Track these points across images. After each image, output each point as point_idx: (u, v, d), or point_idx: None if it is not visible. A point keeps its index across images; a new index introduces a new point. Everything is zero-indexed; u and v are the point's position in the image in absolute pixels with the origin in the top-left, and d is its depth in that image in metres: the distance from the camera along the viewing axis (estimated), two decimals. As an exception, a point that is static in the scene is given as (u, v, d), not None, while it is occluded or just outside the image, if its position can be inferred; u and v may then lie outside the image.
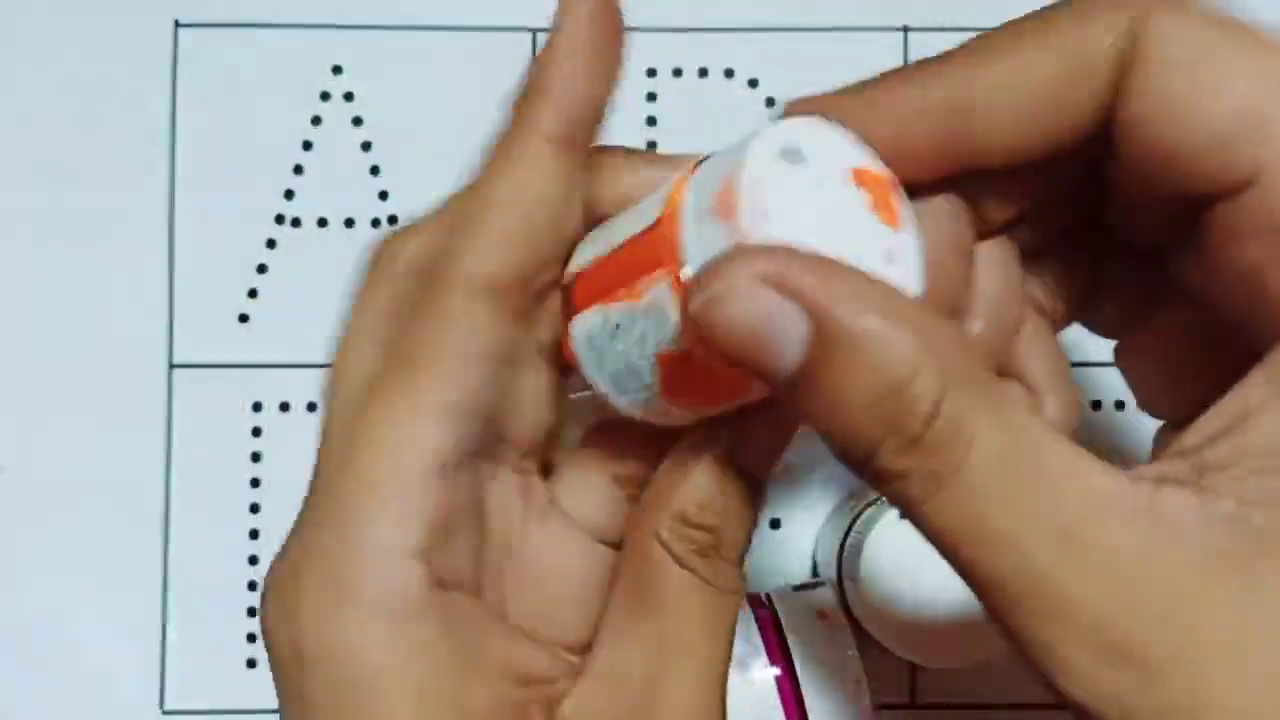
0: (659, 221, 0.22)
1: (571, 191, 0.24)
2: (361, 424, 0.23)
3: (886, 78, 0.24)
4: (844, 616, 0.38)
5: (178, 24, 0.44)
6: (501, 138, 0.25)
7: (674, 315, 0.22)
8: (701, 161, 0.23)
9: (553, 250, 0.24)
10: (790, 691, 0.37)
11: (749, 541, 0.25)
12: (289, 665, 0.23)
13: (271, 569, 0.24)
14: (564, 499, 0.27)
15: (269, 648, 0.23)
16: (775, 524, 0.44)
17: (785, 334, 0.19)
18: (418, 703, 0.22)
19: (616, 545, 0.26)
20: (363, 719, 0.22)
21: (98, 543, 0.43)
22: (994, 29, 0.23)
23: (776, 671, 0.37)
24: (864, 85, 0.24)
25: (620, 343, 0.23)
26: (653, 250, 0.22)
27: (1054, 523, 0.19)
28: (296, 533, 0.24)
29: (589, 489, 0.27)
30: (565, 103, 0.24)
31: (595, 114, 0.24)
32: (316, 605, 0.23)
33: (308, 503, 0.24)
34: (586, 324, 0.24)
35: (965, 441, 0.19)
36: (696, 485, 0.24)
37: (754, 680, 0.37)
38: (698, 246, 0.21)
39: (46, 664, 0.42)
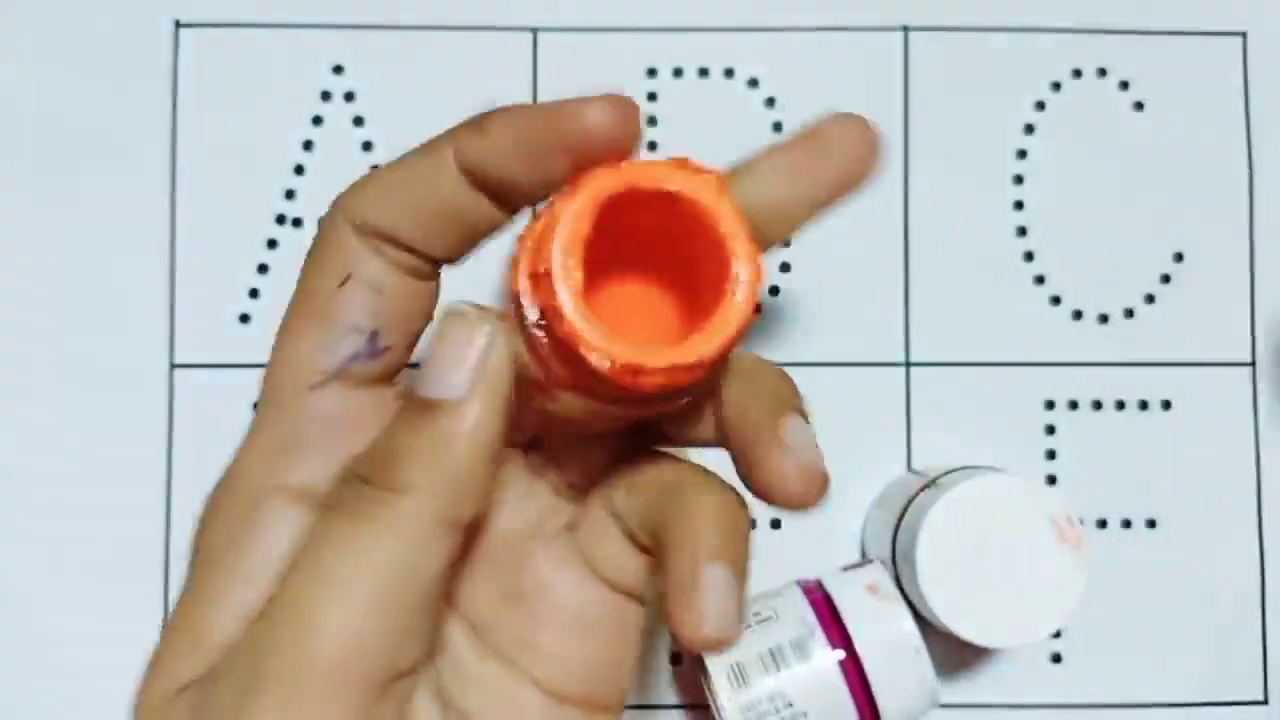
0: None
1: None
2: None
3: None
4: (896, 588, 0.38)
5: (178, 24, 0.44)
6: None
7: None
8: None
9: None
10: (854, 671, 0.37)
11: (430, 472, 0.23)
12: None
13: None
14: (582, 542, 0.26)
15: None
16: (776, 524, 0.44)
17: None
18: None
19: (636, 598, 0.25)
20: None
21: (98, 543, 0.43)
22: None
23: (839, 654, 0.37)
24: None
25: None
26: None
27: None
28: None
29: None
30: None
31: None
32: None
33: None
34: None
35: None
36: None
37: (816, 664, 0.37)
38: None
39: (47, 663, 0.42)
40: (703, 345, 0.22)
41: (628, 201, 0.23)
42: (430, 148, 0.24)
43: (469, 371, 0.22)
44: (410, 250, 0.24)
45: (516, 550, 0.25)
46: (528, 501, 0.26)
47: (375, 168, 0.34)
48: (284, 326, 0.25)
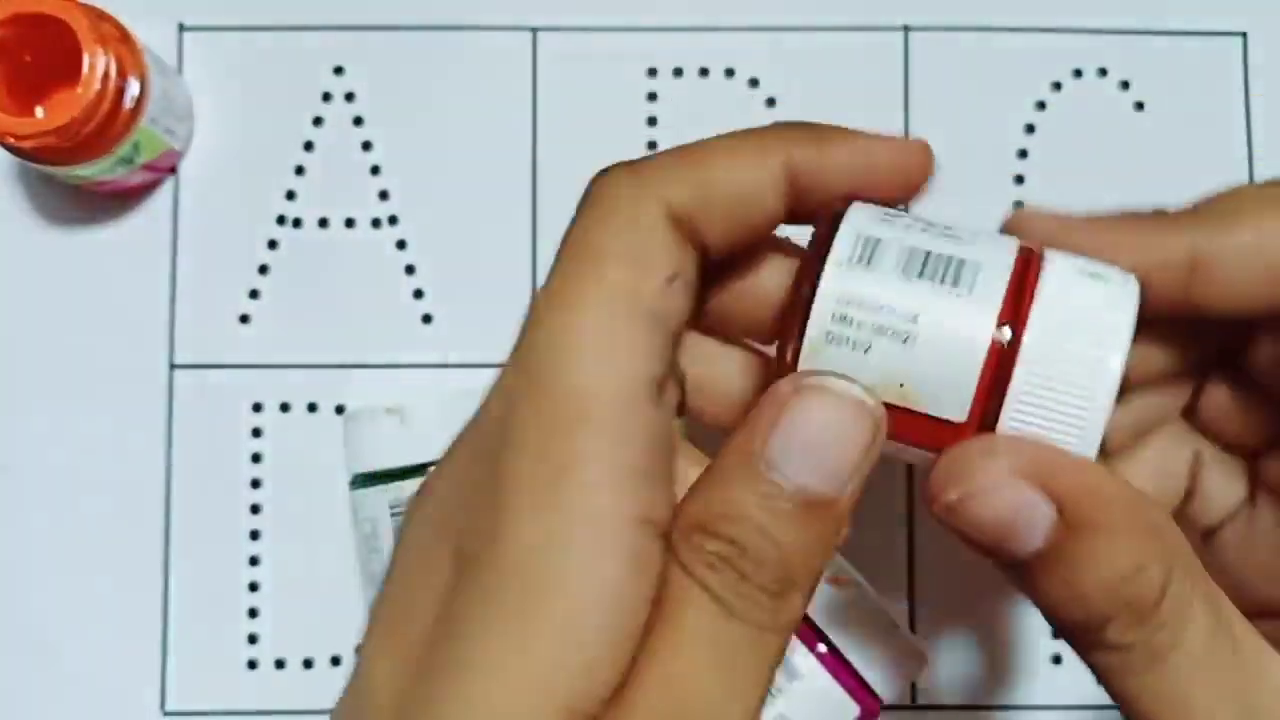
0: (964, 431, 0.22)
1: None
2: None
3: (1127, 220, 0.25)
4: (851, 567, 0.38)
5: (182, 27, 0.44)
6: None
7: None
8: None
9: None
10: (844, 671, 0.37)
11: (812, 573, 0.21)
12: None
13: None
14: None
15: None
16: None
17: (1032, 525, 0.21)
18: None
19: None
20: None
21: (98, 543, 0.43)
22: (1233, 192, 0.26)
23: (825, 661, 0.37)
24: (1102, 220, 0.25)
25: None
26: (944, 439, 0.22)
27: (1245, 704, 0.21)
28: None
29: None
30: None
31: None
32: None
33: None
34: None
35: (1184, 622, 0.21)
36: (720, 495, 0.21)
37: (806, 677, 0.37)
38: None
39: (46, 664, 0.42)
40: (55, 118, 0.37)
41: (35, 26, 0.37)
42: (757, 146, 0.22)
43: (859, 471, 0.21)
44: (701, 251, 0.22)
45: None
46: None
47: (653, 146, 0.42)
48: (580, 300, 0.21)
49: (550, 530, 0.20)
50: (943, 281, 0.22)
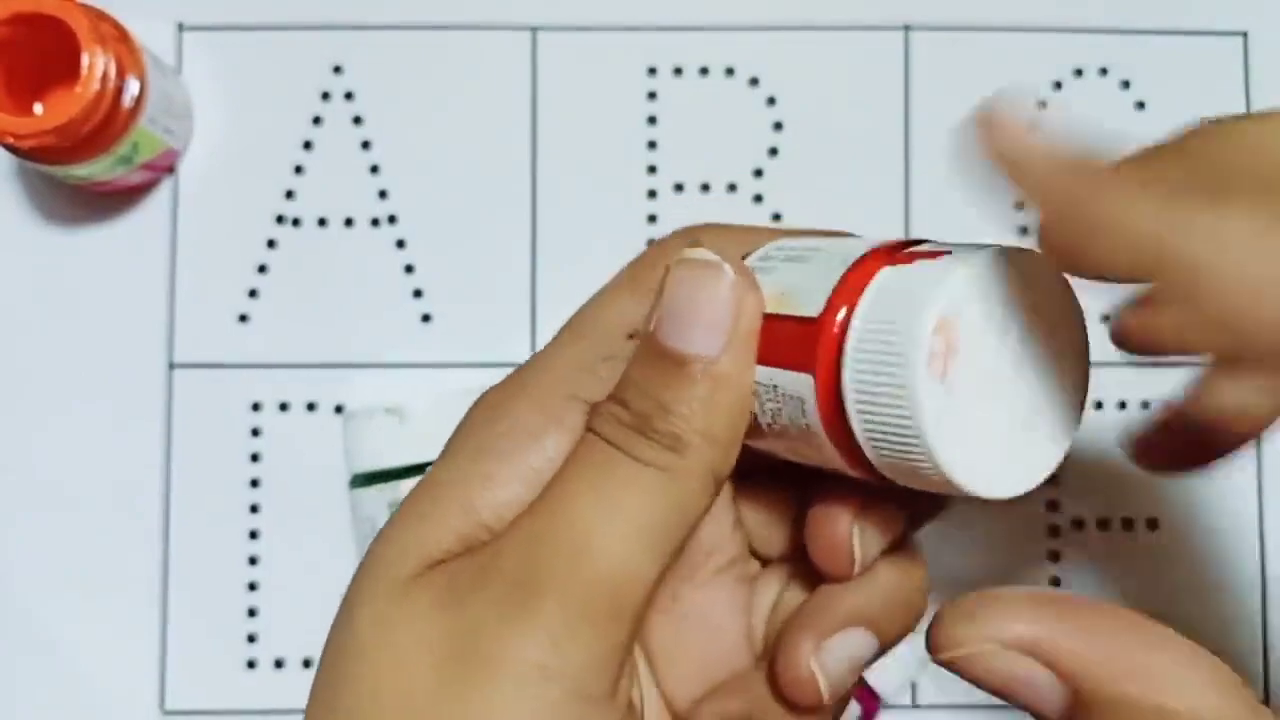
0: (819, 326, 0.23)
1: None
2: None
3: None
4: None
5: (181, 27, 0.44)
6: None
7: (813, 415, 0.23)
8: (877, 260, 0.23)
9: None
10: None
11: (705, 434, 0.23)
12: None
13: None
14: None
15: None
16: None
17: (1040, 697, 0.21)
18: None
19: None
20: None
21: (98, 543, 0.43)
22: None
23: None
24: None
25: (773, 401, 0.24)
26: (806, 345, 0.23)
27: None
28: None
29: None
30: None
31: None
32: None
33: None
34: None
35: None
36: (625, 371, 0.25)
37: None
38: (857, 368, 0.22)
39: (46, 664, 0.42)
40: (54, 118, 0.37)
41: (34, 26, 0.37)
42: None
43: (730, 333, 0.23)
44: None
45: (690, 557, 0.26)
46: (719, 521, 0.26)
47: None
48: (610, 287, 0.26)
49: (506, 396, 0.25)
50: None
